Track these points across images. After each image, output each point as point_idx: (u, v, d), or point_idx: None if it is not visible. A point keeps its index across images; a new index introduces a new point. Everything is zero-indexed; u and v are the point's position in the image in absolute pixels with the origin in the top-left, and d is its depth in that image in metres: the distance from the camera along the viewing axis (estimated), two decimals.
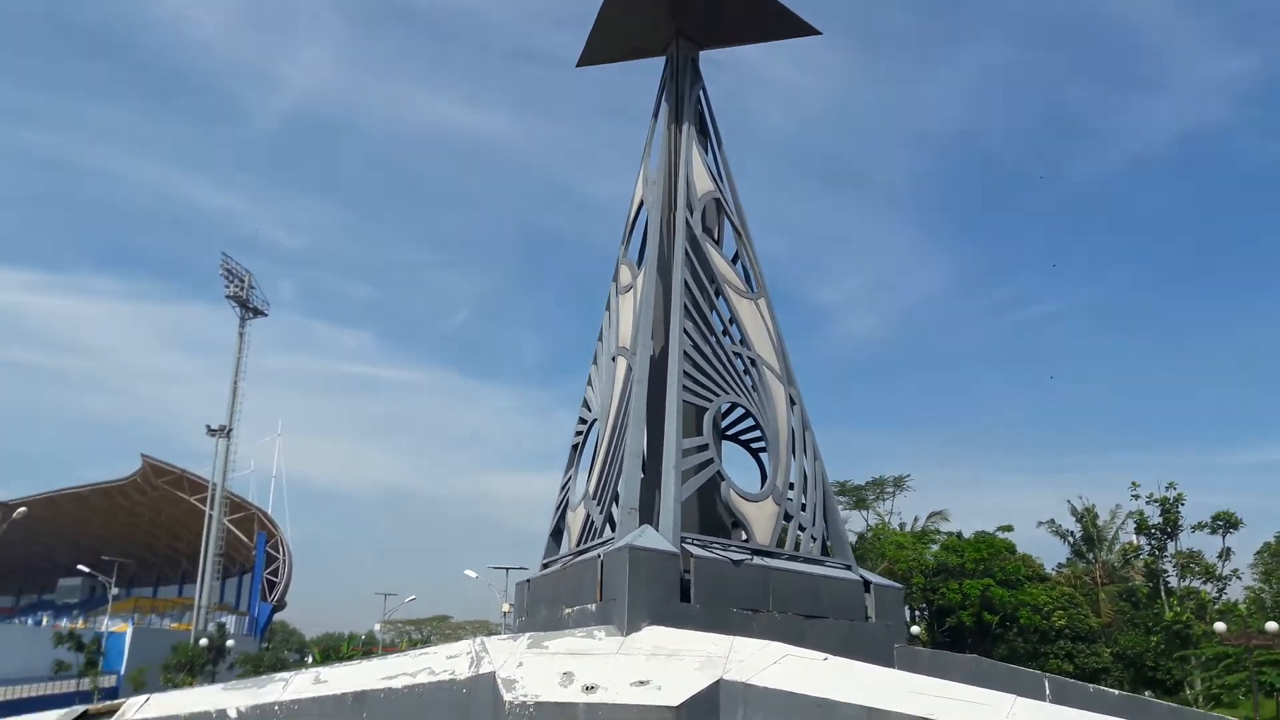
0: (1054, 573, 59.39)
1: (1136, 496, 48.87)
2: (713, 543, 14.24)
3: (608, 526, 14.80)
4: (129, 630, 54.93)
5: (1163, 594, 47.54)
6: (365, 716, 11.37)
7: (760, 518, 15.13)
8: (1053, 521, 59.98)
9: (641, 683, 11.08)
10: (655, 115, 18.30)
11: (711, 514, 15.99)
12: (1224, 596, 46.45)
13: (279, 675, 12.29)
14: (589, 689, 10.98)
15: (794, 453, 16.58)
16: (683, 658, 11.51)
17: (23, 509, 45.91)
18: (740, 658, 11.48)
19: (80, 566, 63.93)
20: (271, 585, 78.19)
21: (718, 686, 10.82)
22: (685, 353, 15.17)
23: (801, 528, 15.94)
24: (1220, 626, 37.88)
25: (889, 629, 16.36)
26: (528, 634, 12.60)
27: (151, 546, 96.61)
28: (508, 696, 10.70)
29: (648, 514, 16.28)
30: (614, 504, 14.99)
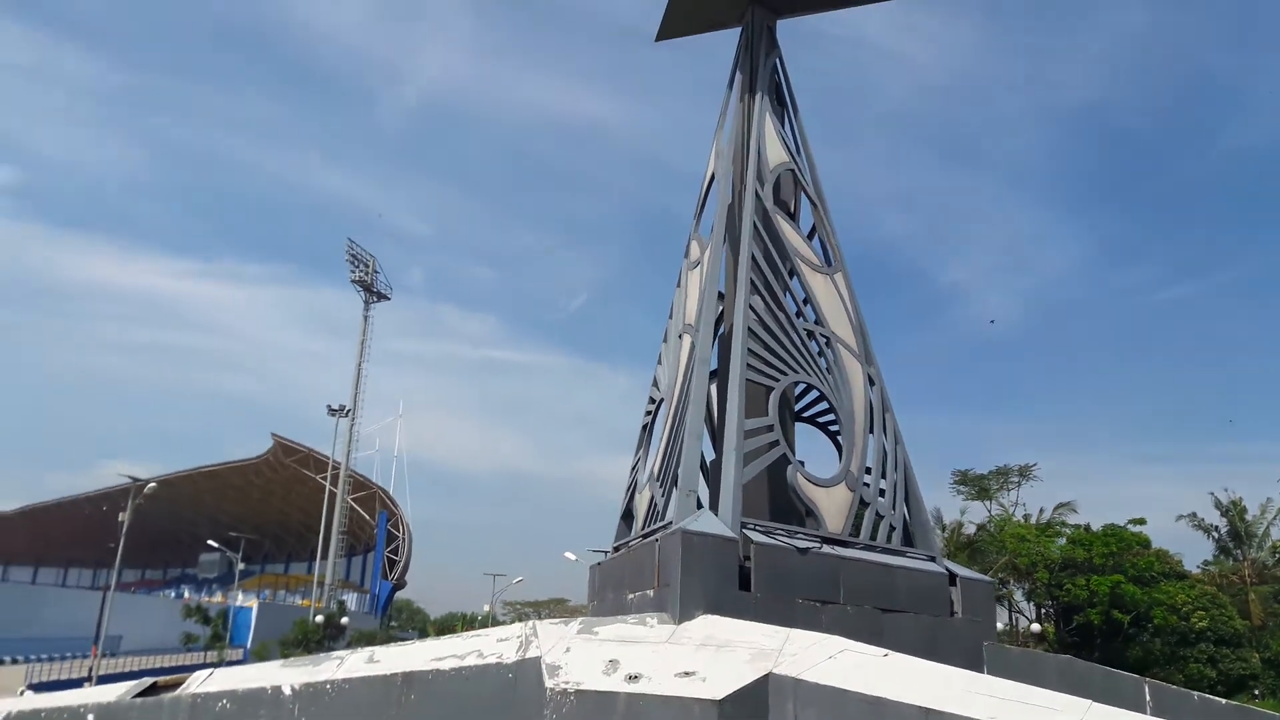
0: (1197, 570, 55.23)
1: None
2: (777, 529, 13.56)
3: (670, 510, 14.32)
4: (255, 605, 58.01)
5: None
6: (413, 697, 11.29)
7: (831, 504, 14.33)
8: (1194, 515, 55.67)
9: (687, 674, 10.59)
10: (730, 86, 17.61)
11: (783, 499, 15.26)
12: None
13: (336, 654, 12.41)
14: (633, 678, 10.56)
15: (873, 435, 15.68)
16: (734, 649, 10.94)
17: (152, 485, 49.00)
18: (794, 651, 10.82)
19: (210, 542, 67.94)
20: (392, 564, 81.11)
21: (766, 680, 10.21)
22: (750, 329, 14.50)
23: (880, 515, 15.04)
24: None
25: (976, 625, 15.25)
26: (580, 619, 12.29)
27: (284, 523, 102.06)
28: (550, 683, 10.39)
29: (716, 499, 15.74)
30: (676, 487, 14.49)
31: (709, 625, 11.59)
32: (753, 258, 15.13)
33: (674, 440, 14.54)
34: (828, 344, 15.61)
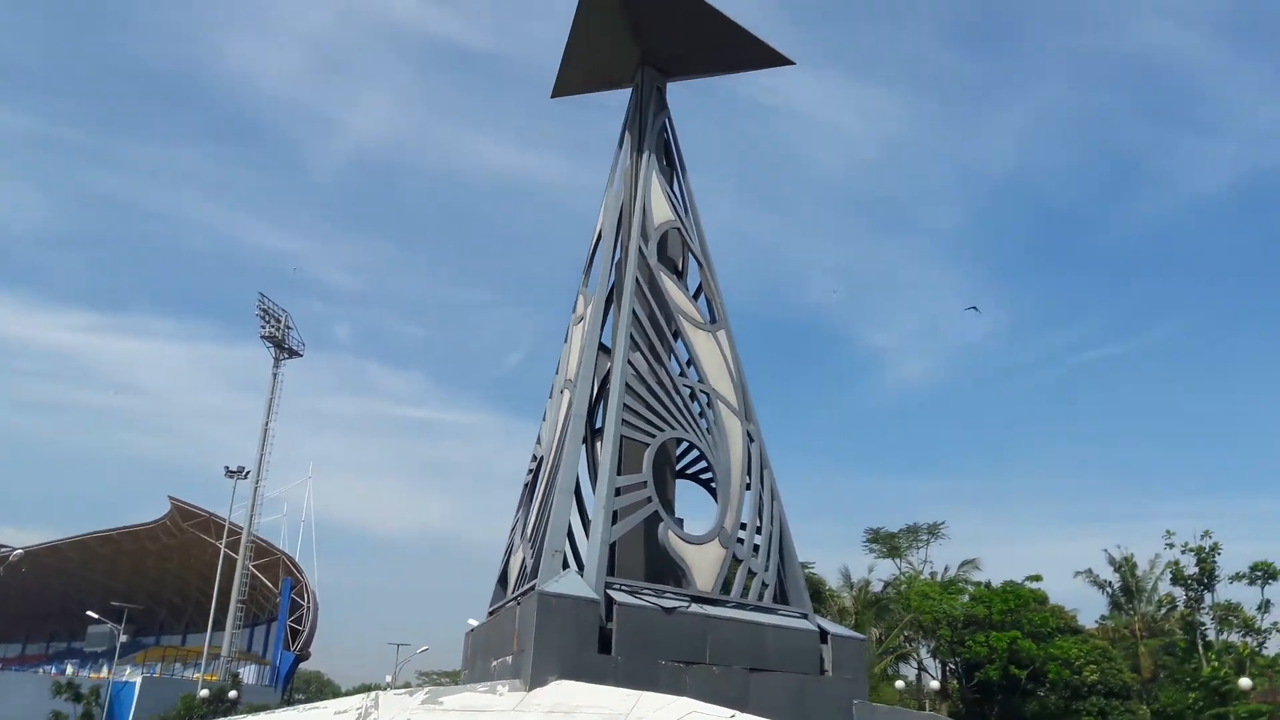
0: (1096, 625, 56.67)
1: (1171, 545, 46.53)
2: (644, 588, 13.44)
3: (539, 571, 14.09)
4: (139, 681, 54.72)
5: (1200, 648, 44.97)
6: None
7: (703, 561, 14.29)
8: (1090, 572, 57.37)
9: None
10: (620, 144, 17.85)
11: (661, 557, 15.19)
12: (1264, 650, 43.69)
13: None
14: None
15: (750, 491, 15.76)
16: (580, 715, 10.71)
17: (18, 553, 46.26)
18: (641, 715, 10.65)
19: (91, 613, 64.39)
20: (296, 633, 77.62)
21: None
22: (628, 385, 14.52)
23: (752, 572, 15.05)
24: (1246, 683, 35.59)
25: (848, 684, 15.28)
26: (427, 689, 11.94)
27: (182, 592, 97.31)
28: None
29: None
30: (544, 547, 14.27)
31: (561, 692, 11.33)
32: (634, 313, 15.21)
33: (545, 499, 14.37)
34: (708, 401, 15.72)
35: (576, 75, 18.63)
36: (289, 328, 73.30)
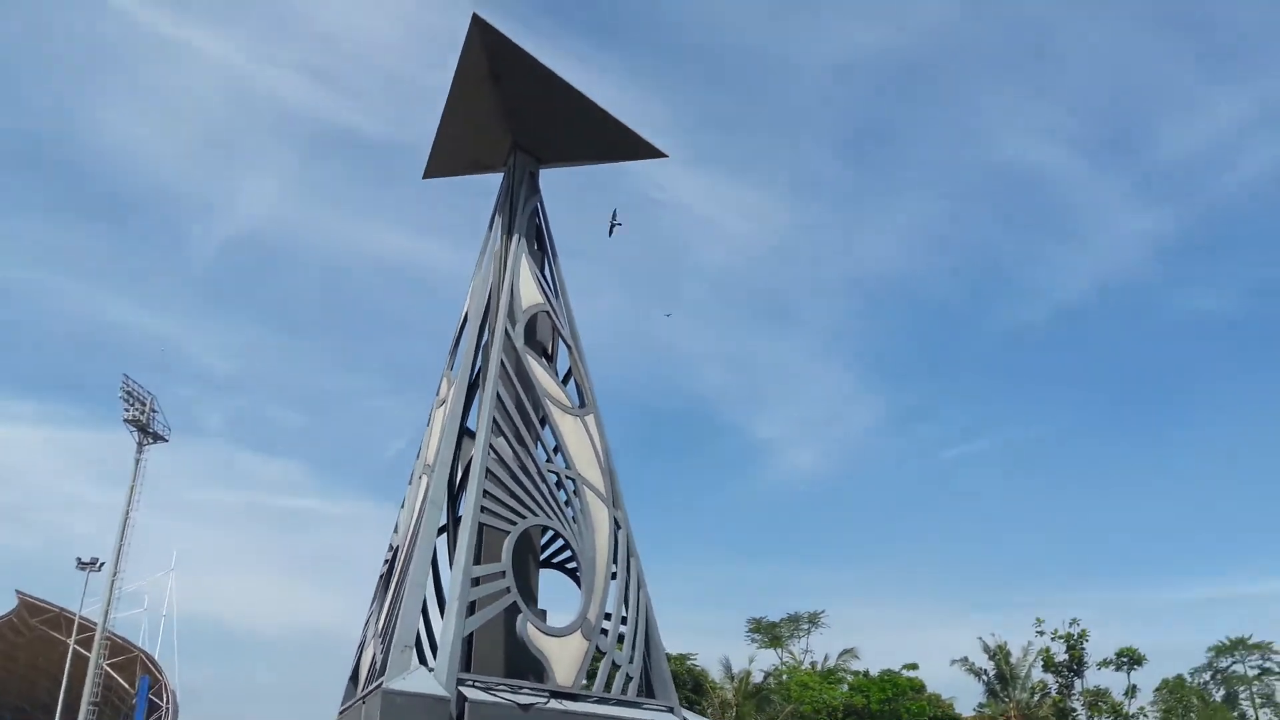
0: (974, 713, 57.53)
1: (1041, 633, 48.03)
2: (501, 684, 12.80)
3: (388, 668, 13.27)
4: None
5: None
6: None
7: (565, 654, 13.74)
8: (966, 659, 58.46)
9: None
10: (490, 227, 17.82)
11: (524, 651, 14.56)
12: None
13: None
14: None
15: (620, 581, 15.40)
16: None
17: None
18: None
19: None
20: None
21: None
22: (489, 470, 14.10)
23: (616, 665, 14.57)
24: None
25: None
26: None
27: (30, 695, 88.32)
28: None
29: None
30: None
31: None
32: (498, 397, 14.92)
33: (398, 591, 13.66)
34: (574, 487, 15.41)
35: (449, 157, 18.66)
36: (154, 411, 69.00)
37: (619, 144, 18.61)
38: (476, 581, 13.31)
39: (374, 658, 13.76)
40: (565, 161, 18.78)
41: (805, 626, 62.93)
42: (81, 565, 57.42)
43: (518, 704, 12.45)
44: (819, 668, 56.46)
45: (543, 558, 16.12)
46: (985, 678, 59.08)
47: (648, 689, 15.35)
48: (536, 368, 15.96)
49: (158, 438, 68.16)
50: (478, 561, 13.59)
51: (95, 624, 61.41)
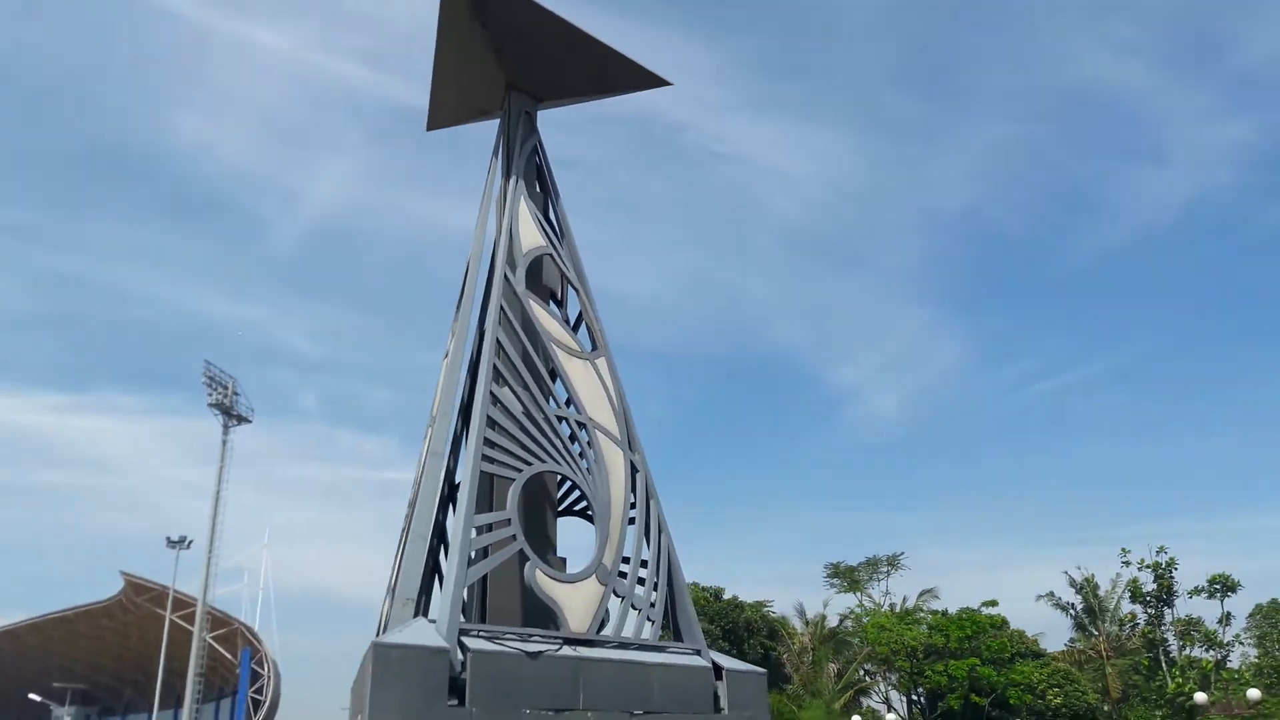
0: (1065, 648, 56.08)
1: (1128, 563, 46.15)
2: (507, 633, 12.51)
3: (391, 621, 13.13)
4: None
5: (1164, 665, 44.37)
6: None
7: (576, 601, 13.39)
8: (1051, 595, 56.78)
9: None
10: (490, 172, 17.31)
11: (540, 602, 14.28)
12: (1228, 663, 43.19)
13: None
14: None
15: (644, 529, 14.96)
16: None
17: None
18: None
19: (33, 696, 61.62)
20: (258, 704, 74.97)
21: None
22: (490, 418, 13.73)
23: (636, 609, 14.18)
24: (1201, 697, 34.98)
25: None
26: None
27: (145, 669, 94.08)
28: None
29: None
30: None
31: None
32: (498, 343, 14.51)
33: (400, 544, 13.48)
34: (583, 430, 14.97)
35: (447, 105, 18.15)
36: (236, 394, 71.54)
37: (619, 75, 17.81)
38: (481, 530, 13.00)
39: (383, 614, 13.66)
40: (564, 97, 18.08)
41: (884, 569, 62.04)
42: (171, 544, 60.18)
43: (525, 652, 12.15)
44: (897, 609, 55.64)
45: (562, 507, 15.77)
46: (1072, 612, 57.38)
47: (675, 633, 14.97)
48: (539, 311, 15.46)
49: (241, 419, 70.66)
50: (482, 511, 13.27)
51: (195, 600, 64.46)
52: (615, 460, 15.12)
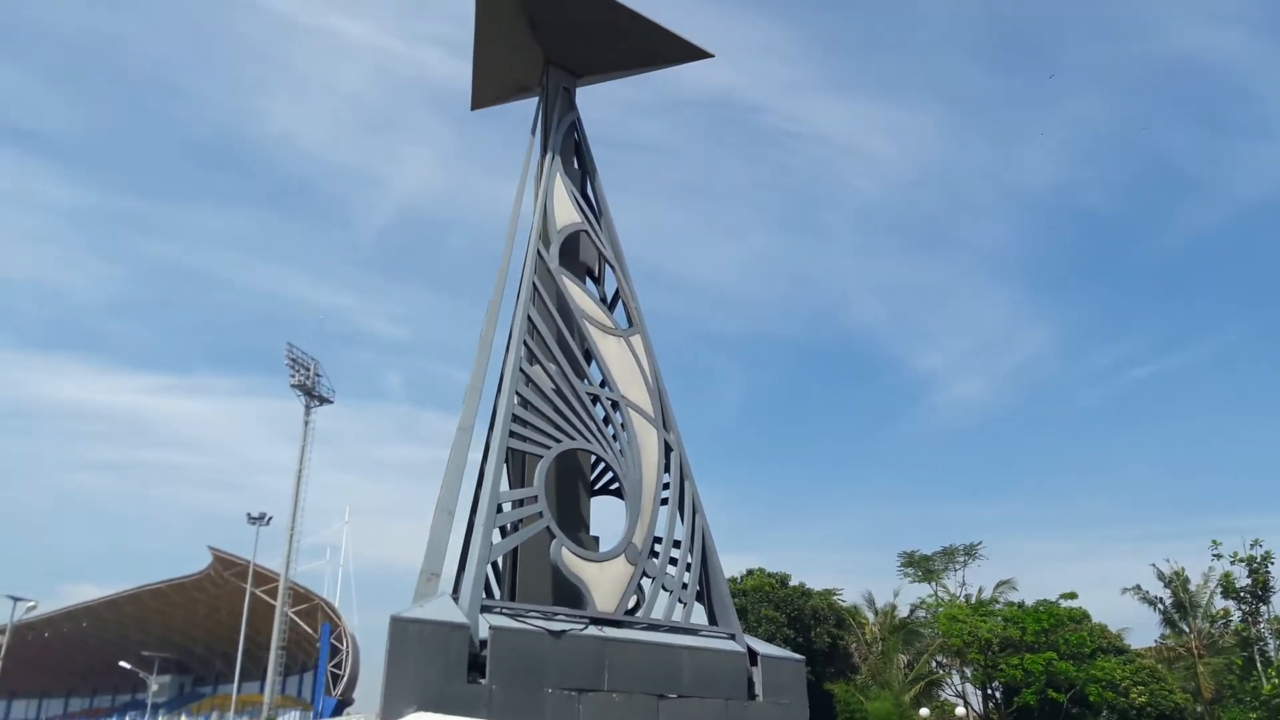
0: (1155, 644, 53.63)
1: (1219, 556, 43.63)
2: (530, 610, 12.39)
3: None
4: None
5: (1259, 664, 41.94)
6: None
7: (604, 580, 13.19)
8: (1138, 588, 54.33)
9: None
10: (529, 149, 17.16)
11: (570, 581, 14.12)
12: None
13: None
14: None
15: (677, 508, 14.68)
16: None
17: (31, 605, 46.69)
18: None
19: (124, 664, 64.66)
20: (336, 678, 77.46)
21: None
22: (519, 394, 13.61)
23: (667, 589, 13.91)
24: None
25: (783, 709, 14.00)
26: None
27: (233, 641, 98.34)
28: None
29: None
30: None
31: None
32: (529, 319, 14.36)
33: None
34: (615, 409, 14.73)
35: (489, 84, 18.06)
36: (318, 375, 73.67)
37: (658, 48, 17.45)
38: (503, 508, 12.89)
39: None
40: (602, 72, 17.80)
41: (961, 559, 60.18)
42: (252, 520, 62.40)
43: (548, 630, 12.00)
44: (973, 601, 54.00)
45: (597, 486, 15.57)
46: (1161, 606, 54.80)
47: (710, 617, 14.65)
48: (573, 288, 15.26)
49: (323, 400, 72.80)
50: (515, 488, 13.17)
51: (278, 575, 66.84)
52: (649, 439, 14.86)
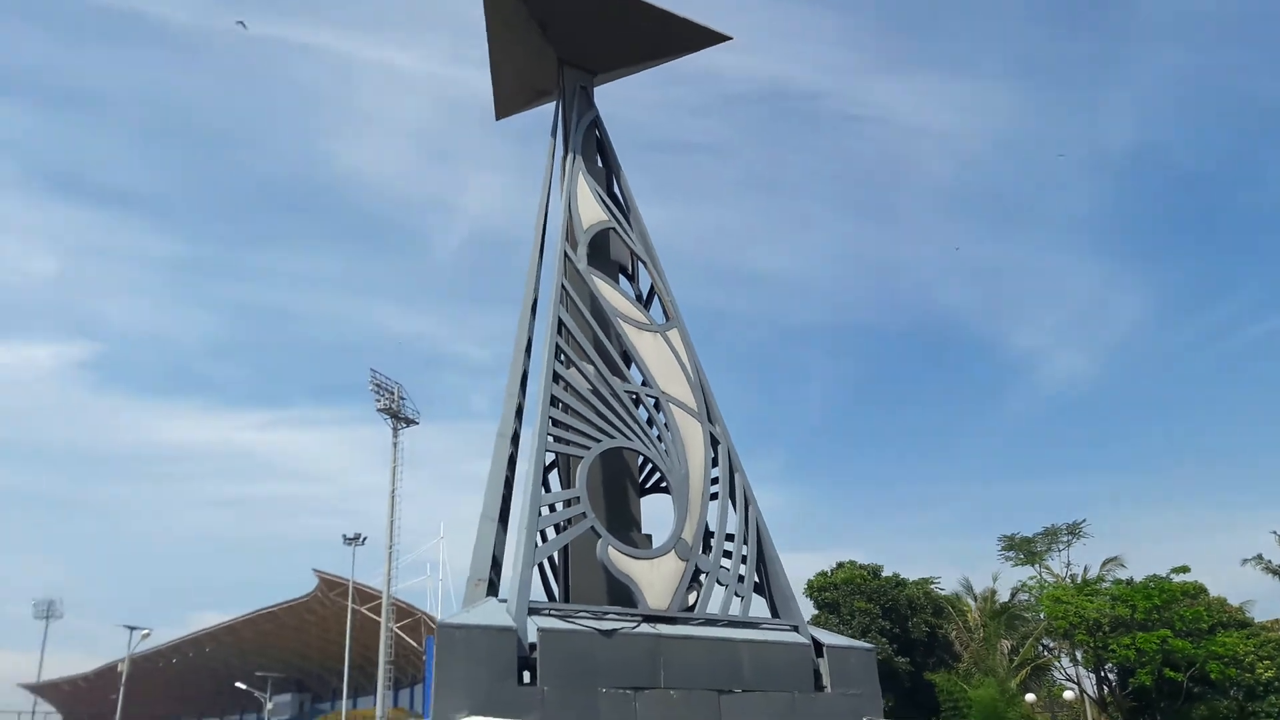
0: None
1: None
2: (579, 612, 12.28)
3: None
4: None
5: None
6: None
7: (655, 578, 12.98)
8: (1260, 558, 51.30)
9: None
10: (552, 154, 17.15)
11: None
12: None
13: None
14: None
15: (722, 499, 14.40)
16: None
17: (145, 632, 48.96)
18: None
19: (239, 685, 67.11)
20: None
21: None
22: (553, 397, 13.54)
23: (722, 584, 13.62)
24: None
25: (852, 700, 13.54)
26: None
27: (345, 658, 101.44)
28: None
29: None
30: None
31: None
32: (559, 322, 14.31)
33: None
34: (655, 406, 14.54)
35: (509, 90, 18.16)
36: (402, 398, 75.39)
37: (673, 36, 17.26)
38: (550, 510, 12.84)
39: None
40: (619, 67, 17.69)
41: (1065, 539, 57.76)
42: (347, 541, 64.38)
43: (598, 630, 11.87)
44: (1078, 581, 51.77)
45: (648, 485, 15.41)
46: None
47: (772, 610, 14.31)
48: (604, 287, 15.14)
49: (409, 421, 74.54)
50: (550, 490, 13.11)
51: (380, 592, 68.67)
52: (693, 433, 14.62)
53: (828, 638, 14.01)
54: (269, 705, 64.41)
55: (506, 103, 18.38)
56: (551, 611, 12.07)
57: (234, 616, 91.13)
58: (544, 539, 13.15)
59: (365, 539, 65.78)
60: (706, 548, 13.77)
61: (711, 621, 13.15)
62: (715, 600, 13.55)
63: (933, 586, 52.60)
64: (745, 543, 14.08)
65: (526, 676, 11.21)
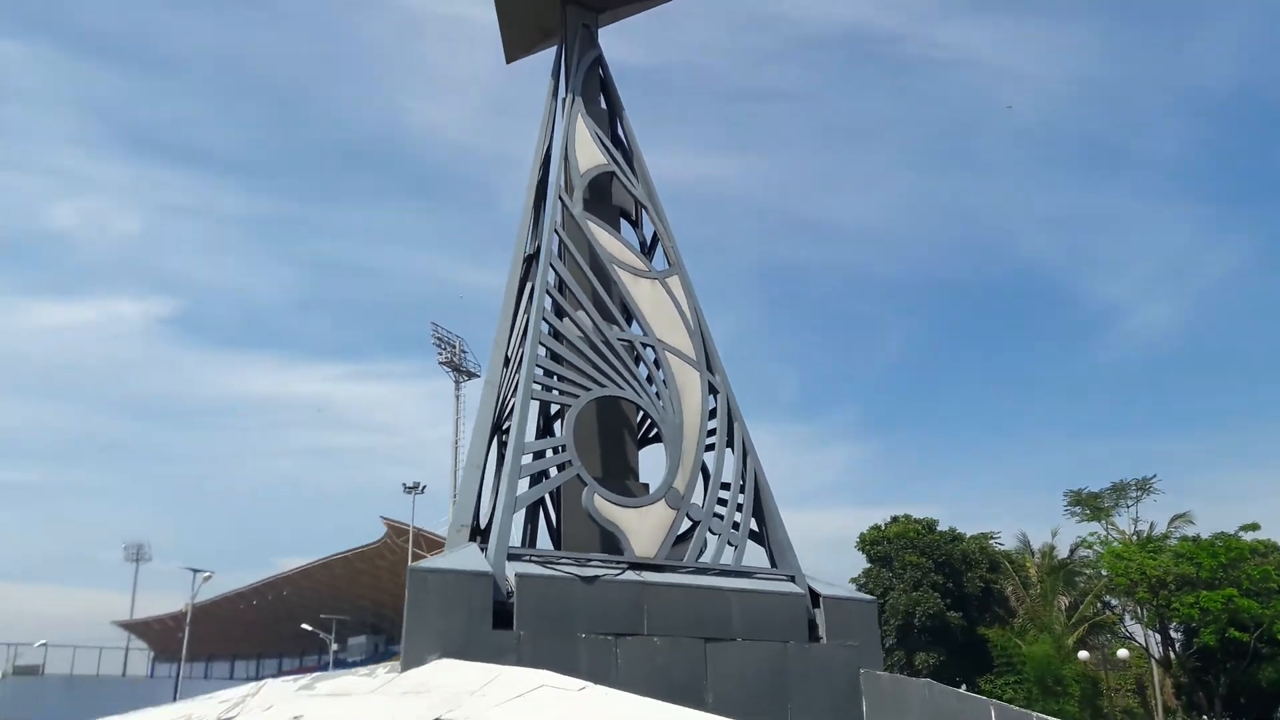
0: None
1: None
2: (561, 558, 12.21)
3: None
4: None
5: None
6: None
7: (643, 527, 12.81)
8: None
9: None
10: (554, 95, 16.79)
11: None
12: None
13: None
14: None
15: (719, 447, 14.12)
16: (428, 694, 9.70)
17: (208, 575, 51.16)
18: (486, 691, 9.51)
19: (305, 626, 69.91)
20: None
21: None
22: (542, 344, 13.38)
23: (714, 533, 13.39)
24: None
25: (849, 651, 13.26)
26: (315, 674, 11.36)
27: None
28: None
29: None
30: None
31: (433, 672, 10.36)
32: (550, 267, 14.09)
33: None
34: (649, 352, 14.26)
35: (518, 33, 17.79)
36: (464, 351, 77.01)
37: None
38: (535, 457, 12.76)
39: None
40: (624, 3, 17.14)
41: (1134, 495, 55.83)
42: (407, 490, 66.31)
43: (579, 576, 11.79)
44: (1143, 537, 50.09)
45: (648, 435, 15.21)
46: None
47: (770, 560, 14.07)
48: (599, 232, 14.81)
49: (471, 374, 76.18)
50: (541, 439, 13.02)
51: (444, 539, 70.69)
52: (690, 382, 14.31)
53: (826, 588, 13.71)
54: (333, 646, 67.13)
55: (514, 45, 18.03)
56: (532, 558, 12.04)
57: (309, 561, 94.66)
58: (533, 486, 13.09)
59: (425, 487, 67.55)
60: (702, 499, 13.54)
61: (702, 570, 12.97)
62: (711, 552, 13.34)
63: (991, 542, 51.53)
64: (742, 492, 13.80)
65: (503, 622, 11.19)
